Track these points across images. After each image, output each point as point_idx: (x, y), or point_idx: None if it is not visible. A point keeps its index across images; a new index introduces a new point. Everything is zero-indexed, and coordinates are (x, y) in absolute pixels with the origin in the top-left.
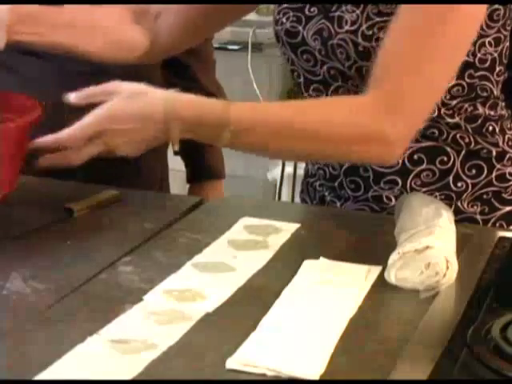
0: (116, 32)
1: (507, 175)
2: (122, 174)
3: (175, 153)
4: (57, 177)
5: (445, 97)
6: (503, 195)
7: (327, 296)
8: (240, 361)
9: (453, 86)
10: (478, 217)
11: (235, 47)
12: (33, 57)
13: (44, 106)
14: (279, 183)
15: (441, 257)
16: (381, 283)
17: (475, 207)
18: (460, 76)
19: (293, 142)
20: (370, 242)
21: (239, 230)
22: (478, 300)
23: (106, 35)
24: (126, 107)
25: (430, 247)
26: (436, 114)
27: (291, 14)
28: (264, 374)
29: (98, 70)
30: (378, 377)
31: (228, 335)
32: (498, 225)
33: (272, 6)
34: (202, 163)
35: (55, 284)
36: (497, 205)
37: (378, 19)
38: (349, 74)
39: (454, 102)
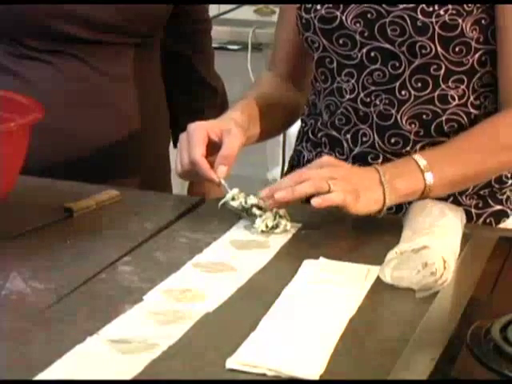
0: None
1: (503, 177)
2: (122, 173)
3: (175, 144)
4: (57, 177)
5: None
6: (497, 195)
7: (327, 296)
8: (240, 361)
9: None
10: (473, 210)
11: (235, 47)
12: (34, 61)
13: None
14: None
15: (438, 257)
16: (381, 283)
17: (472, 200)
18: None
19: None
20: (370, 242)
21: (240, 229)
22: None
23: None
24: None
25: (427, 247)
26: None
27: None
28: (264, 374)
29: (99, 73)
30: (378, 377)
31: (228, 335)
32: (488, 221)
33: (271, 7)
34: None
35: (55, 284)
36: (490, 202)
37: None
38: (394, 53)
39: None
